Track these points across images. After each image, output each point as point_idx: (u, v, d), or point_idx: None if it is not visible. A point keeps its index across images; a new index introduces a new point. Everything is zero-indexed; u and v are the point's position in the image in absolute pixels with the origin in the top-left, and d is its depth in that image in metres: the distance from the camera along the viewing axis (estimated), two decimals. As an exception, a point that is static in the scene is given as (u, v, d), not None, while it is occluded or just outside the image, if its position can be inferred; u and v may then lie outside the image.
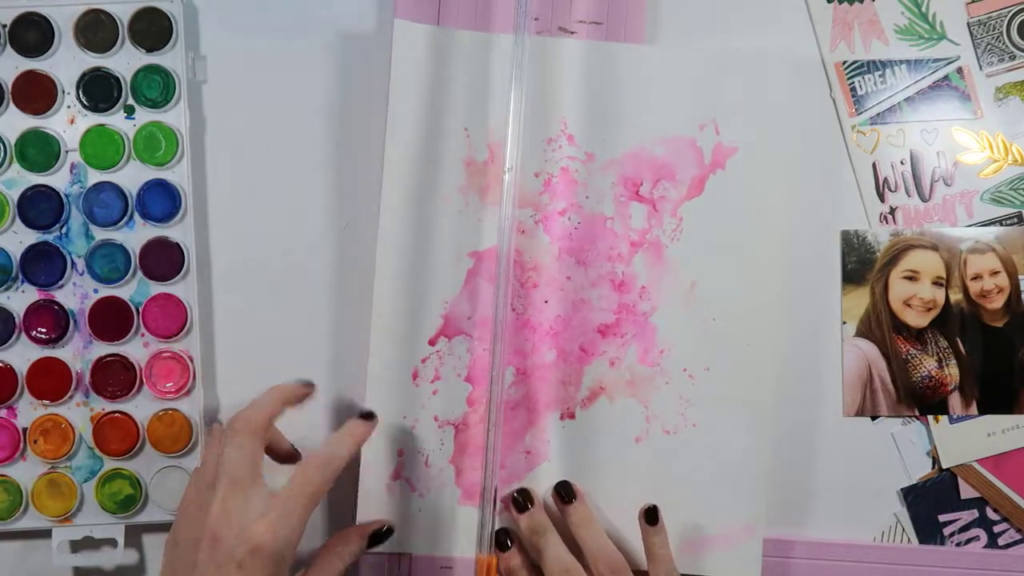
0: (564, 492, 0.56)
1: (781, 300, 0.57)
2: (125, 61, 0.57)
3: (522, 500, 0.56)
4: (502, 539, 0.56)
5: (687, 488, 0.57)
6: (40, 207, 0.57)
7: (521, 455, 0.57)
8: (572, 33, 0.58)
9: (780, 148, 0.57)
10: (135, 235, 0.58)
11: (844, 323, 0.59)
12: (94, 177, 0.58)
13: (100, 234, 0.58)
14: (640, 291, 0.57)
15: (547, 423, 0.57)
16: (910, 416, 0.59)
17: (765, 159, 0.57)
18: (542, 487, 0.57)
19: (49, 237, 0.58)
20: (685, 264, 0.57)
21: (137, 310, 0.57)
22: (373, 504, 0.57)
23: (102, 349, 0.57)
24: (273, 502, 0.47)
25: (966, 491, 0.59)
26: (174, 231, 0.58)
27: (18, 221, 0.57)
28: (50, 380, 0.57)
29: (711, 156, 0.57)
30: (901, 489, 0.59)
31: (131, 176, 0.58)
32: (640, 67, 0.57)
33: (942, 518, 0.59)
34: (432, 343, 0.57)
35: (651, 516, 0.55)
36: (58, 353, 0.57)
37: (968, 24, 0.59)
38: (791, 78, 0.57)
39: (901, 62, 0.59)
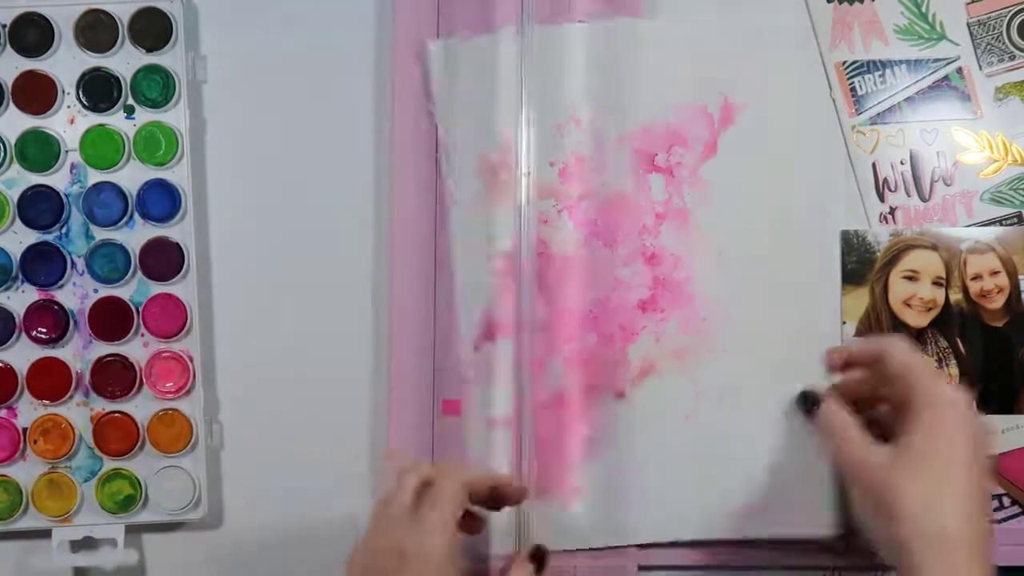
0: (541, 558, 0.54)
1: (815, 245, 0.57)
2: (125, 61, 0.57)
3: (540, 557, 0.54)
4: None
5: (747, 450, 0.56)
6: (40, 207, 0.57)
7: (576, 441, 0.57)
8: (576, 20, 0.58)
9: (787, 100, 0.57)
10: (135, 235, 0.58)
11: (844, 323, 0.59)
12: (94, 177, 0.58)
13: (100, 234, 0.58)
14: (673, 261, 0.57)
15: (598, 406, 0.57)
16: (910, 416, 0.59)
17: (774, 111, 0.57)
18: (598, 473, 0.56)
19: (49, 237, 0.58)
20: (712, 226, 0.57)
21: (137, 310, 0.57)
22: None
23: (102, 349, 0.57)
24: None
25: (966, 491, 0.59)
26: (174, 231, 0.58)
27: (18, 221, 0.57)
28: (50, 380, 0.57)
29: (720, 115, 0.57)
30: (901, 489, 0.59)
31: (131, 176, 0.58)
32: (642, 40, 0.57)
33: (942, 518, 0.59)
34: (478, 349, 0.57)
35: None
36: (58, 353, 0.57)
37: (968, 24, 0.59)
38: (794, 39, 0.58)
39: (901, 62, 0.59)
